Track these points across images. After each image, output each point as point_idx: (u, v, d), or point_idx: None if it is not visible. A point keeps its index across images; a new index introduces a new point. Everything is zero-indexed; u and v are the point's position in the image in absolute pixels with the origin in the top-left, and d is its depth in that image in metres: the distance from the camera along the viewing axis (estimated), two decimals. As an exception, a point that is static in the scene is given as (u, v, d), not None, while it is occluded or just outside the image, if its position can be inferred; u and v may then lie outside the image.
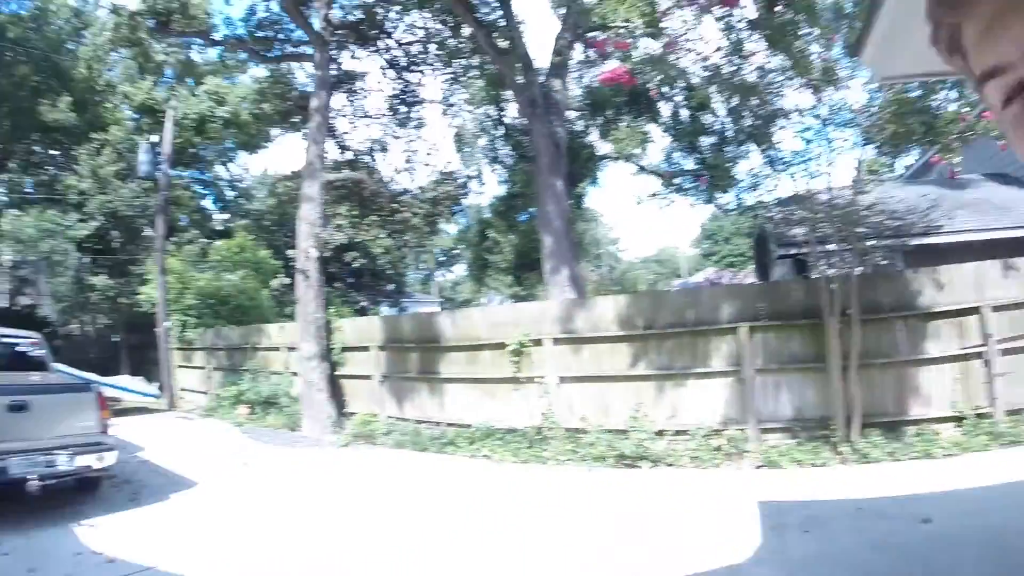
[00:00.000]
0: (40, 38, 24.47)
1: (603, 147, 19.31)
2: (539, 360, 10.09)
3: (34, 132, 25.26)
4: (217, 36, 16.93)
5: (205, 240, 24.47)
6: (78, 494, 7.87)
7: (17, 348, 9.37)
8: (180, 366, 19.71)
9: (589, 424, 9.35)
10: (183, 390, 19.45)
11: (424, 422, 11.43)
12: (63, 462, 7.00)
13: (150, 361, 20.12)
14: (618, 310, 9.64)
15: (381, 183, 16.55)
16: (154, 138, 19.95)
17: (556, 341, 9.93)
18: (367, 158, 17.18)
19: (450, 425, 10.94)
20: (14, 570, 5.48)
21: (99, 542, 6.19)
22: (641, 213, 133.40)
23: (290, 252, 13.95)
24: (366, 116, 17.28)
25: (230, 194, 31.69)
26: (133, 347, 25.01)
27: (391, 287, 34.09)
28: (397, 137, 17.56)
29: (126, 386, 16.69)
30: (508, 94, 18.23)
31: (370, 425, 11.82)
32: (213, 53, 25.64)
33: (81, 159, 22.87)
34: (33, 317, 28.13)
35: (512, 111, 19.77)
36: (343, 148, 16.89)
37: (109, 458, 7.41)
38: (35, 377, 8.42)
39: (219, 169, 31.10)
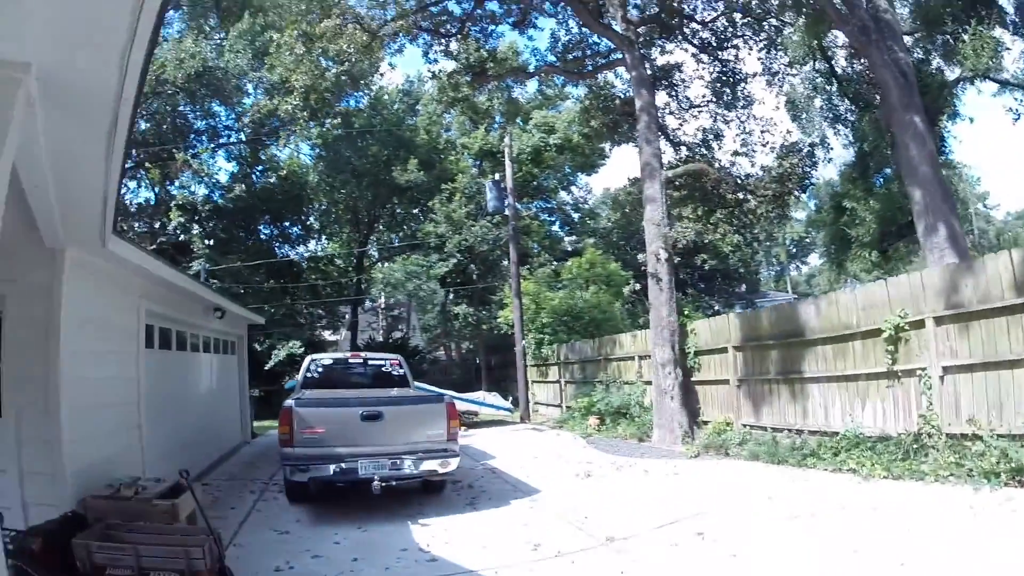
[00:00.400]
0: (381, 120, 29.17)
1: (951, 73, 16.26)
2: (918, 346, 7.81)
3: (392, 196, 29.93)
4: (530, 69, 17.70)
5: (556, 263, 25.74)
6: (421, 495, 8.33)
7: (382, 368, 10.50)
8: (535, 381, 20.71)
9: (979, 427, 6.88)
10: (537, 404, 20.32)
11: (783, 430, 9.85)
12: (408, 466, 7.37)
13: (508, 378, 21.50)
14: (1015, 269, 6.76)
15: (723, 170, 15.19)
16: (496, 176, 21.55)
17: (938, 320, 7.54)
18: (702, 150, 16.13)
19: (812, 433, 9.24)
20: (340, 557, 5.79)
21: (428, 541, 6.27)
22: (1011, 157, 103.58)
23: (640, 256, 13.46)
24: (692, 107, 16.38)
25: (575, 216, 33.22)
26: (492, 366, 27.37)
27: (743, 288, 32.07)
28: (728, 121, 16.41)
29: (482, 400, 17.90)
30: (833, 40, 16.31)
31: (723, 434, 10.69)
32: (531, 88, 27.52)
33: (435, 208, 25.99)
34: (405, 347, 32.82)
35: (841, 61, 17.75)
36: (676, 145, 16.10)
37: (452, 464, 7.60)
38: (394, 392, 9.14)
39: (563, 195, 32.95)
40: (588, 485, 8.77)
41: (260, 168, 29.06)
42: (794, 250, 52.75)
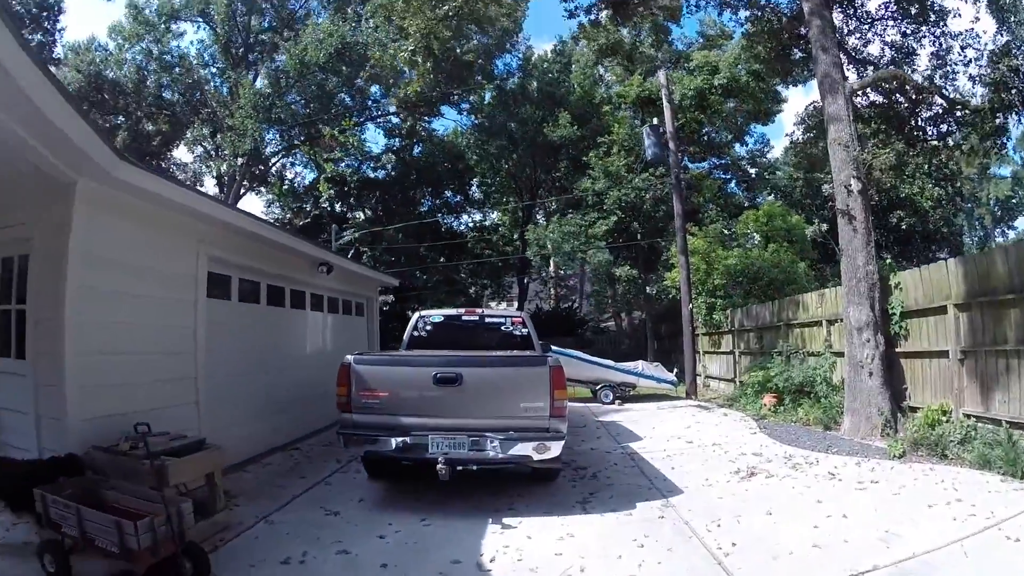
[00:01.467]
0: (534, 80, 28.11)
1: None
2: None
3: (548, 157, 28.54)
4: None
5: (730, 220, 22.80)
6: (525, 482, 6.63)
7: (501, 327, 8.92)
8: (706, 352, 18.21)
9: None
10: (708, 377, 17.83)
11: (1027, 426, 6.79)
12: (492, 448, 5.65)
13: (678, 348, 19.14)
14: None
15: (924, 81, 11.75)
16: (655, 121, 19.18)
17: None
18: (891, 68, 12.77)
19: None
20: (369, 559, 4.54)
21: (494, 553, 4.67)
22: None
23: (829, 189, 10.73)
24: (873, 22, 13.13)
25: (751, 171, 29.41)
26: (662, 336, 24.81)
27: (944, 253, 26.58)
28: (920, 37, 12.89)
29: (639, 371, 15.64)
30: None
31: (937, 427, 7.66)
32: (689, 30, 24.36)
33: (591, 163, 23.87)
34: (571, 317, 31.18)
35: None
36: (860, 63, 13.01)
37: (553, 449, 5.69)
38: (498, 353, 7.25)
39: (737, 150, 29.45)
40: (748, 489, 6.38)
41: (416, 140, 29.07)
42: (999, 212, 44.38)
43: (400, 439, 5.69)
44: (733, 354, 16.11)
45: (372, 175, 27.62)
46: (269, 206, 31.73)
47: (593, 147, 24.42)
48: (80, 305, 5.06)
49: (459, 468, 5.66)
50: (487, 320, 9.11)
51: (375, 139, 61.85)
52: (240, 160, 27.36)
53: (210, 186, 32.65)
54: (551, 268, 34.28)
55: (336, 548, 4.70)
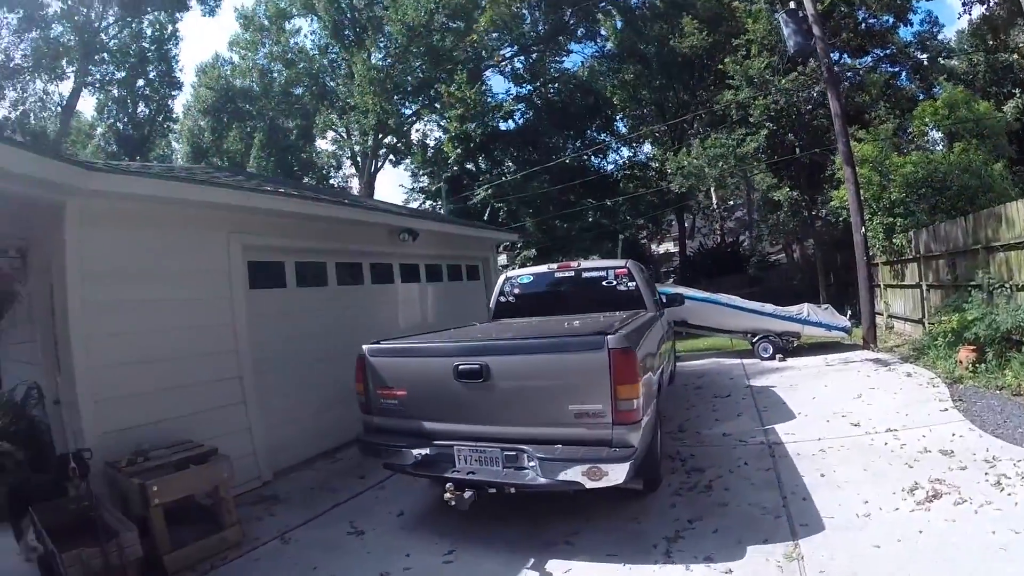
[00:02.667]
0: None
1: None
2: None
3: (686, 73, 26.04)
4: None
5: (903, 118, 18.81)
6: (605, 497, 4.68)
7: (602, 283, 7.60)
8: (888, 285, 15.10)
9: None
10: (891, 316, 14.79)
11: None
12: (531, 468, 4.23)
13: (855, 282, 16.28)
14: None
15: None
16: (791, 5, 15.94)
17: None
18: None
19: None
20: None
21: None
22: None
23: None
24: None
25: (922, 57, 24.11)
26: (837, 267, 21.40)
27: None
28: None
29: (804, 316, 12.76)
30: None
31: None
32: None
33: (729, 69, 20.67)
34: (737, 252, 28.32)
35: None
36: None
37: (613, 473, 4.03)
38: (537, 334, 5.39)
39: (903, 35, 24.10)
40: (924, 530, 3.96)
41: (545, 82, 27.66)
42: None
43: (420, 451, 4.64)
44: (920, 288, 12.91)
45: (502, 127, 26.95)
46: (415, 176, 32.30)
47: (730, 52, 21.20)
48: (85, 320, 4.97)
49: (491, 491, 4.36)
50: (584, 275, 7.79)
51: (503, 89, 60.45)
52: (368, 137, 28.17)
53: (347, 168, 34.19)
54: (714, 200, 31.37)
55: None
